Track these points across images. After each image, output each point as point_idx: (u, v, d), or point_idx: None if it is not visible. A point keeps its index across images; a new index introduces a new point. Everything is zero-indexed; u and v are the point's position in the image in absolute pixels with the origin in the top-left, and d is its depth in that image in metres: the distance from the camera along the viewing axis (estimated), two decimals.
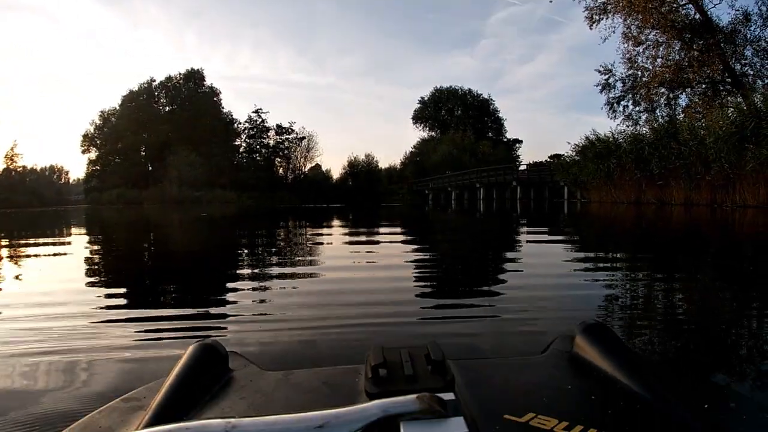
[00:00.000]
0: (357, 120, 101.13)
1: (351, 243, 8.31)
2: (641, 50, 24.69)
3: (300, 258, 6.05)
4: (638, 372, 0.98)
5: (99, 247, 8.90)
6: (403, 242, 8.35)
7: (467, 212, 21.36)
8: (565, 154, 27.56)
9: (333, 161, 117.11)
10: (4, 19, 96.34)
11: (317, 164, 61.36)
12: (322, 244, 8.23)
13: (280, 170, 61.11)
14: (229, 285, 4.14)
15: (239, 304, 3.22)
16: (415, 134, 72.44)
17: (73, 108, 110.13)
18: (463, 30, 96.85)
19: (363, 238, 9.02)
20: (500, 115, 64.92)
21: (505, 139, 63.15)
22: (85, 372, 2.00)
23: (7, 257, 7.11)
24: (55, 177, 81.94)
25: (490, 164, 40.97)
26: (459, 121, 61.17)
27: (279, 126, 60.64)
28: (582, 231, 10.20)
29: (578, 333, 1.15)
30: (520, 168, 39.64)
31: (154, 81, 62.83)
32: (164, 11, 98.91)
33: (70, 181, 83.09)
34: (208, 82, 62.96)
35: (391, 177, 55.93)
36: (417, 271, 4.77)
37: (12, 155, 67.32)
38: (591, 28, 24.98)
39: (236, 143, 62.08)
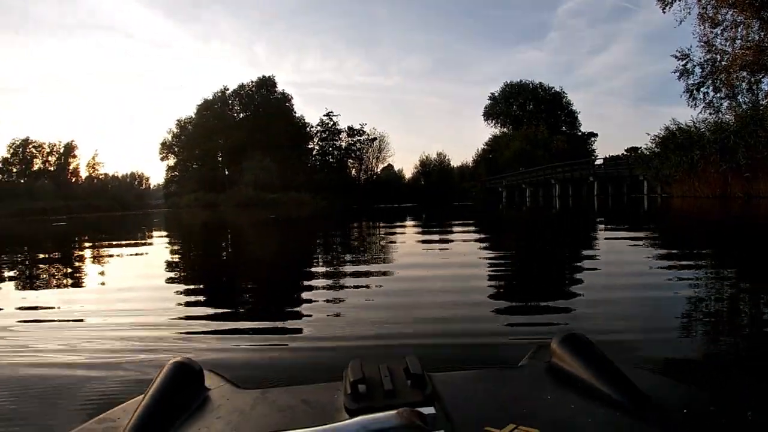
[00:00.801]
0: (426, 119, 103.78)
1: (424, 242, 8.59)
2: (719, 32, 23.39)
3: (372, 257, 6.29)
4: (617, 380, 1.00)
5: (175, 247, 9.95)
6: (476, 240, 8.51)
7: (542, 210, 21.17)
8: (643, 147, 26.66)
9: (405, 161, 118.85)
10: (84, 38, 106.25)
11: (389, 164, 63.05)
12: (394, 242, 8.64)
13: (353, 171, 63.31)
14: (288, 283, 4.68)
15: (313, 304, 3.41)
16: (486, 131, 71.88)
17: (151, 118, 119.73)
18: (529, 23, 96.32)
19: (435, 237, 9.24)
20: (573, 108, 64.02)
21: (579, 133, 62.29)
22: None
23: (90, 257, 8.24)
24: (135, 183, 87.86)
25: (564, 159, 40.40)
26: (531, 115, 60.51)
27: (350, 128, 62.84)
28: (670, 230, 9.80)
29: (556, 343, 1.17)
30: (596, 162, 38.87)
31: (228, 89, 66.57)
32: (233, 25, 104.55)
33: (151, 186, 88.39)
34: (279, 88, 66.05)
35: (463, 175, 56.47)
36: (490, 270, 4.81)
37: (93, 164, 73.69)
38: (664, 12, 23.87)
39: (309, 146, 64.79)
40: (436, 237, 9.34)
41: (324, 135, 63.73)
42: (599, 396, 0.97)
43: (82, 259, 8.10)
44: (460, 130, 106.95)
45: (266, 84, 65.08)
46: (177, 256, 8.32)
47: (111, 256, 8.04)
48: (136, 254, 8.30)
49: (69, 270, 6.50)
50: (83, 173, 74.38)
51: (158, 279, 5.22)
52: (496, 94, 64.11)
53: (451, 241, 8.37)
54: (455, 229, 11.18)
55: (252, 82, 65.54)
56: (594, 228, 10.48)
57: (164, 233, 15.38)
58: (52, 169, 72.12)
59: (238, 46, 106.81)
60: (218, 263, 7.24)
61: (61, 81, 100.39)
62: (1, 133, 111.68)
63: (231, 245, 10.43)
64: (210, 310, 3.48)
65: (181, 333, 2.80)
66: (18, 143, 71.01)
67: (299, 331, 2.77)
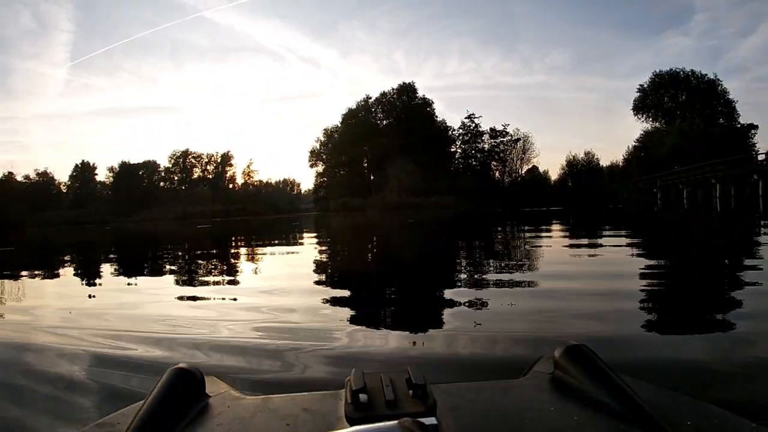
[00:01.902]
0: (572, 116, 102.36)
1: (571, 247, 8.62)
2: None
3: (515, 264, 6.14)
4: (621, 393, 0.99)
5: (323, 248, 11.07)
6: (629, 246, 8.12)
7: (702, 212, 20.35)
8: None
9: (550, 162, 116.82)
10: (237, 60, 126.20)
11: (534, 166, 63.42)
12: (539, 248, 8.49)
13: (496, 174, 64.25)
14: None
15: (451, 314, 3.48)
16: (637, 126, 67.54)
17: (300, 129, 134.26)
18: (671, 8, 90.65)
19: (583, 242, 9.23)
20: (730, 97, 58.34)
21: (738, 125, 56.42)
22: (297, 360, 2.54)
23: (245, 255, 9.76)
24: (288, 189, 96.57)
25: (723, 155, 37.04)
26: (685, 107, 56.85)
27: (493, 129, 64.09)
28: None
29: (559, 354, 1.16)
30: (758, 158, 35.91)
31: (370, 98, 71.00)
32: (371, 37, 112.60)
33: (302, 192, 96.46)
34: (419, 93, 68.77)
35: (613, 175, 54.91)
36: (646, 284, 4.54)
37: (249, 171, 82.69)
38: None
39: (451, 150, 66.81)
40: (584, 242, 9.32)
41: (466, 138, 65.54)
42: (603, 409, 0.98)
43: (238, 256, 9.77)
44: (609, 126, 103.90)
45: (407, 90, 68.43)
46: (324, 256, 9.33)
47: (265, 254, 9.65)
48: (288, 253, 9.99)
49: (227, 266, 7.95)
50: (239, 180, 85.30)
51: (305, 276, 5.94)
52: (645, 86, 60.93)
53: (600, 246, 8.32)
54: (606, 234, 11.04)
55: (393, 89, 69.45)
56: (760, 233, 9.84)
57: (313, 235, 17.24)
58: (210, 176, 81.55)
59: (377, 56, 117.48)
60: (362, 264, 7.79)
61: (216, 98, 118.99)
62: (164, 145, 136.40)
63: (374, 248, 10.99)
64: (353, 311, 3.75)
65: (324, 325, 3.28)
66: (179, 154, 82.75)
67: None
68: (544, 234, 11.98)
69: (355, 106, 70.98)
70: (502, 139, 63.24)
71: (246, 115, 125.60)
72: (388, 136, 64.16)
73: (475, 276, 5.34)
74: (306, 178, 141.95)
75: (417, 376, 1.02)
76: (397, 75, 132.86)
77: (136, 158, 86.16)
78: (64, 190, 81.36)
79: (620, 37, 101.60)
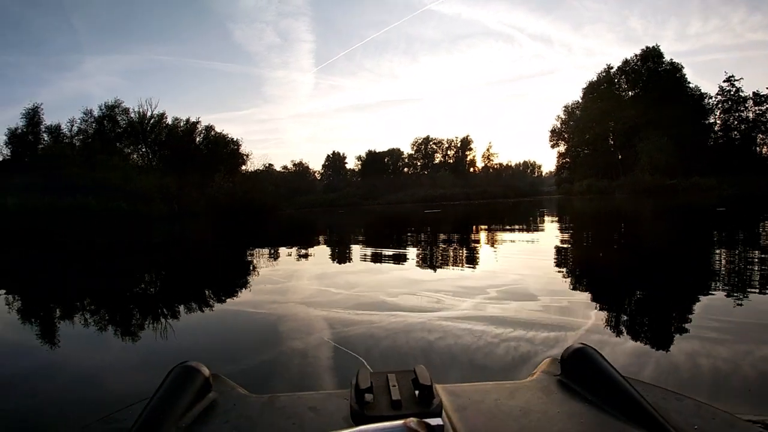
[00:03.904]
0: None
1: None
2: None
3: None
4: (627, 395, 1.01)
5: (567, 237, 11.42)
6: None
7: None
8: None
9: None
10: (470, 47, 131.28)
11: None
12: None
13: (765, 149, 57.18)
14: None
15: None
16: None
17: (538, 109, 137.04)
18: None
19: None
20: None
21: None
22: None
23: (486, 241, 10.90)
24: (528, 171, 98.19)
25: None
26: None
27: (756, 94, 56.57)
28: None
29: (566, 356, 1.19)
30: None
31: (612, 68, 68.19)
32: (602, 4, 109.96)
33: (543, 174, 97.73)
34: (666, 59, 63.79)
35: None
36: None
37: (488, 155, 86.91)
38: None
39: (708, 122, 60.89)
40: None
41: (726, 106, 59.08)
42: (610, 411, 1.00)
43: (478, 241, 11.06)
44: None
45: (652, 55, 64.06)
46: (565, 248, 9.48)
47: (504, 241, 10.68)
48: (527, 241, 10.67)
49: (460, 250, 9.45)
50: (479, 163, 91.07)
51: (544, 265, 6.73)
52: None
53: None
54: None
55: (636, 55, 65.64)
56: None
57: (555, 222, 17.94)
58: (451, 161, 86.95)
59: (611, 25, 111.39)
60: (611, 266, 7.36)
61: (452, 85, 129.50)
62: (406, 133, 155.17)
63: (630, 244, 10.16)
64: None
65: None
66: (420, 141, 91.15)
67: None
68: None
69: (596, 79, 69.12)
70: None
71: (482, 99, 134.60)
72: (635, 109, 60.26)
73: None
74: (547, 160, 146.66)
75: (423, 376, 1.05)
76: (635, 43, 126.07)
77: (381, 147, 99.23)
78: (318, 178, 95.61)
79: None
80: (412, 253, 9.59)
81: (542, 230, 13.98)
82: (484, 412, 1.07)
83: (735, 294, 4.53)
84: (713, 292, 4.71)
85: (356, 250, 10.88)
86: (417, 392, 1.04)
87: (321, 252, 11.19)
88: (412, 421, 0.75)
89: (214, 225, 28.97)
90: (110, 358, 3.57)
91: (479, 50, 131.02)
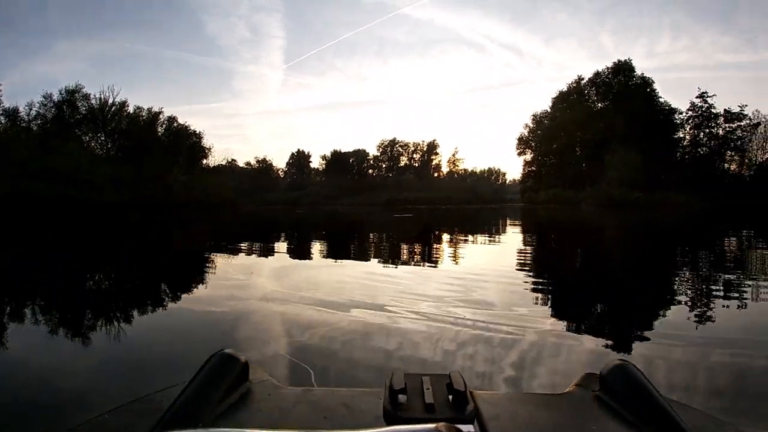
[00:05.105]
0: None
1: None
2: None
3: None
4: (665, 417, 1.00)
5: (527, 246, 11.77)
6: None
7: None
8: None
9: None
10: (442, 53, 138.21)
11: None
12: None
13: (733, 166, 58.31)
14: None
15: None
16: None
17: (505, 117, 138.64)
18: None
19: None
20: None
21: None
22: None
23: (447, 243, 11.09)
24: (492, 178, 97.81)
25: None
26: None
27: (728, 112, 57.77)
28: None
29: (604, 372, 1.17)
30: None
31: (583, 79, 68.71)
32: (574, 20, 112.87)
33: (507, 181, 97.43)
34: (637, 73, 64.47)
35: None
36: None
37: (454, 160, 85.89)
38: None
39: (677, 136, 61.63)
40: None
41: (696, 121, 59.96)
42: (646, 431, 0.98)
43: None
44: None
45: (623, 69, 64.84)
46: (526, 258, 9.79)
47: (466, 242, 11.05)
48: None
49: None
50: (444, 168, 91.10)
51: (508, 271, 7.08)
52: None
53: None
54: None
55: (608, 68, 66.36)
56: None
57: (518, 230, 17.83)
58: (416, 165, 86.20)
59: (582, 40, 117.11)
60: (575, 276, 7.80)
61: (421, 90, 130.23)
62: (373, 136, 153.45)
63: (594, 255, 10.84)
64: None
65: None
66: (386, 143, 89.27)
67: None
68: None
69: (566, 89, 69.51)
70: (739, 123, 56.77)
71: (450, 105, 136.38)
72: (604, 121, 61.05)
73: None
74: (511, 168, 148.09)
75: (457, 381, 1.04)
76: (604, 59, 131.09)
77: (346, 147, 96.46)
78: (282, 176, 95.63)
79: None
80: None
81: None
82: (517, 423, 1.05)
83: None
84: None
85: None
86: (450, 397, 1.02)
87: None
88: (443, 426, 0.73)
89: (162, 219, 28.23)
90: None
91: (450, 57, 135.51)
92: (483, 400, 1.11)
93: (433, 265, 8.10)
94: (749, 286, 6.11)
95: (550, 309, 5.04)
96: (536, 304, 5.20)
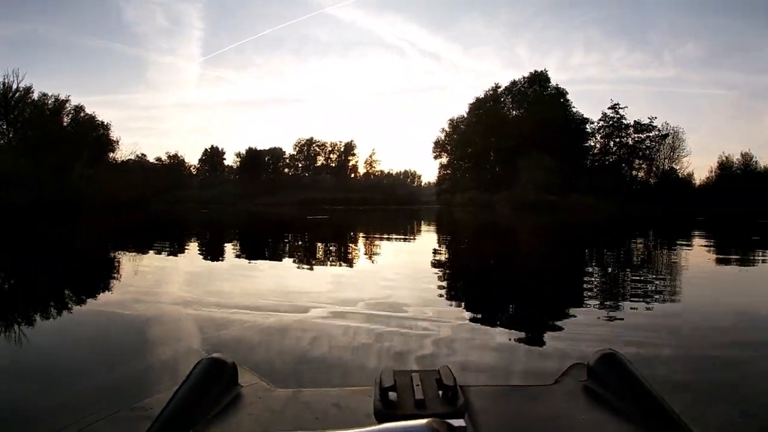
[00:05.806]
0: (711, 115, 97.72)
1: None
2: None
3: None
4: (654, 404, 1.01)
5: (443, 247, 12.28)
6: None
7: None
8: None
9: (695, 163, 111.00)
10: (362, 55, 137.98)
11: (682, 166, 59.99)
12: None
13: (641, 173, 61.73)
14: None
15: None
16: None
17: (422, 121, 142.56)
18: None
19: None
20: None
21: None
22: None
23: (364, 245, 11.38)
24: (408, 180, 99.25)
25: None
26: None
27: (638, 123, 61.19)
28: None
29: (592, 362, 1.18)
30: None
31: (499, 87, 70.72)
32: (492, 30, 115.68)
33: (422, 184, 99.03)
34: (552, 83, 67.14)
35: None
36: None
37: (371, 161, 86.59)
38: None
39: (588, 144, 64.60)
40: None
41: (607, 131, 63.12)
42: (636, 419, 0.99)
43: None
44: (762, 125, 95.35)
45: (539, 79, 67.43)
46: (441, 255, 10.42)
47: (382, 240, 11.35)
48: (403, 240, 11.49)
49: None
50: (361, 169, 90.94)
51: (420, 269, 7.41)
52: None
53: None
54: None
55: (524, 77, 68.74)
56: None
57: (433, 229, 18.46)
58: (333, 165, 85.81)
59: (499, 49, 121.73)
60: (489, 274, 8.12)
61: (340, 91, 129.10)
62: (290, 134, 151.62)
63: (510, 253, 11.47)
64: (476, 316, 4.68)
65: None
66: (303, 142, 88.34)
67: None
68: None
69: (483, 96, 71.10)
70: (648, 134, 60.32)
71: (369, 107, 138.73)
72: (519, 128, 62.47)
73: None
74: (426, 170, 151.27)
75: (447, 376, 1.05)
76: (519, 69, 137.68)
77: (263, 145, 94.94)
78: (194, 173, 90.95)
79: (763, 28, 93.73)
80: None
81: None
82: (507, 416, 1.08)
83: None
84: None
85: None
86: (441, 392, 1.03)
87: None
88: (435, 421, 0.74)
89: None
90: None
91: (371, 59, 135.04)
92: (473, 393, 1.14)
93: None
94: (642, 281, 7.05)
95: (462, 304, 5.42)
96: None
